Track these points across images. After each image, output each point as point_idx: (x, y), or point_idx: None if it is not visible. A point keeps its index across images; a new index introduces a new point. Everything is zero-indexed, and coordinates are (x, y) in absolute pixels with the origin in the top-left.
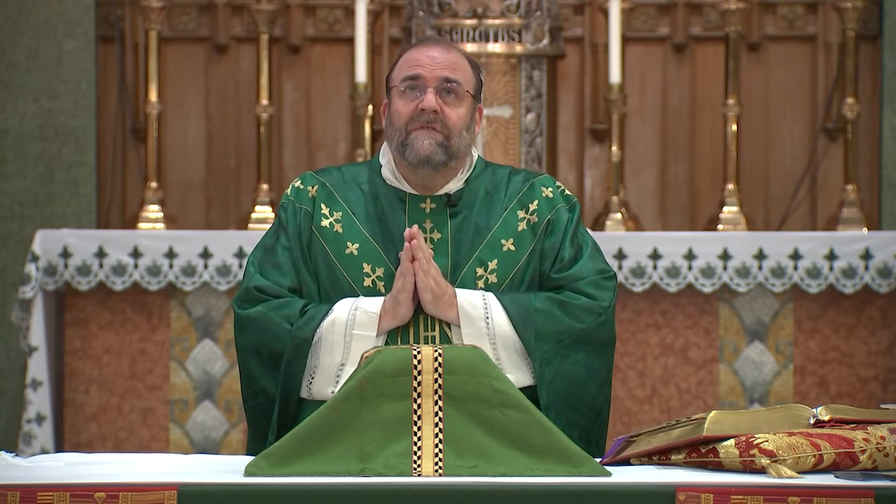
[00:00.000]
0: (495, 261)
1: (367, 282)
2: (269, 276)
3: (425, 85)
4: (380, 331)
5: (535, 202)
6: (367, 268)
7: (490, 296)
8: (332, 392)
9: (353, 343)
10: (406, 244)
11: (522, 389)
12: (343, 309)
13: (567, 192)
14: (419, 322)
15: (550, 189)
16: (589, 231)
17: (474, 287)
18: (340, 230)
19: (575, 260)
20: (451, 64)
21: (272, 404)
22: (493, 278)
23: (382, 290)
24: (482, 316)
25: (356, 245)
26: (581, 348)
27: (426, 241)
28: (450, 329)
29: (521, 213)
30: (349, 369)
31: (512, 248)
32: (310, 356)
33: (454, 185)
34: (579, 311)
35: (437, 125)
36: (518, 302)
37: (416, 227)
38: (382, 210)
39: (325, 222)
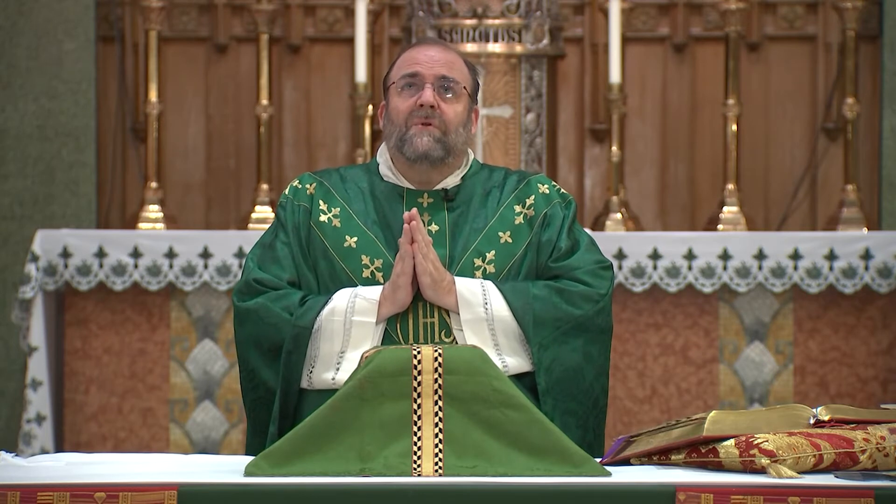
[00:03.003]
0: (493, 252)
1: (366, 273)
2: (268, 269)
3: (423, 82)
4: (379, 317)
5: (532, 197)
6: (365, 259)
7: (488, 283)
8: (333, 378)
9: (353, 330)
10: (405, 226)
11: (521, 375)
12: (342, 297)
13: (563, 190)
14: (418, 308)
15: (547, 186)
16: (585, 229)
17: (472, 277)
18: (339, 224)
19: (572, 251)
20: (448, 63)
21: (272, 397)
22: (490, 269)
23: (381, 281)
24: (480, 302)
25: (354, 238)
26: (579, 335)
27: None
28: (448, 316)
29: (517, 208)
30: (349, 356)
31: (509, 240)
32: (310, 345)
33: (451, 181)
34: (577, 298)
35: (435, 121)
36: (516, 289)
37: (414, 209)
38: (380, 205)
39: (324, 217)
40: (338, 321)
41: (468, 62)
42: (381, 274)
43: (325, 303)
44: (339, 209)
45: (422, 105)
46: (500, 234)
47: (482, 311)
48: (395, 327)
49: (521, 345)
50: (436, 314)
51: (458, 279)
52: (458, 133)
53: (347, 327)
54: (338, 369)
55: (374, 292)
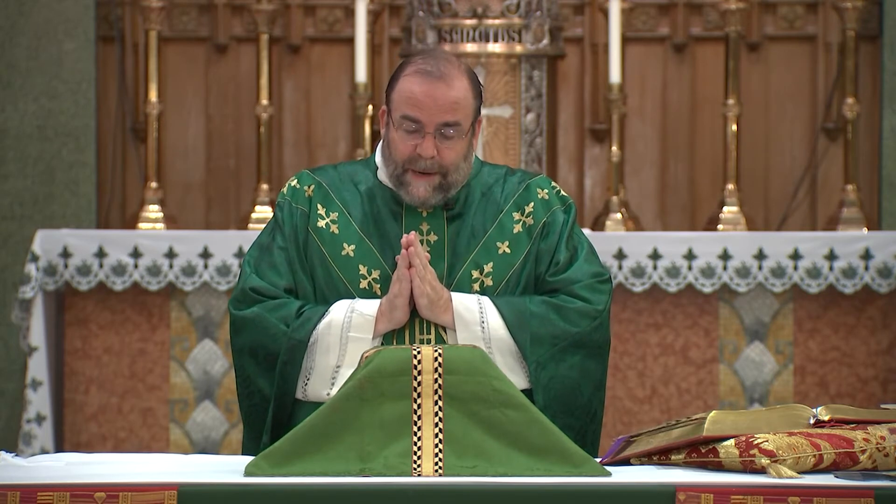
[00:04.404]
0: (491, 264)
1: (364, 284)
2: (265, 276)
3: (424, 129)
4: (375, 333)
5: (531, 204)
6: (363, 269)
7: (485, 299)
8: (328, 394)
9: (349, 345)
10: (403, 251)
11: None
12: (339, 311)
13: (563, 193)
14: (415, 325)
15: (546, 190)
16: (585, 233)
17: (470, 290)
18: (336, 231)
19: (570, 263)
20: (451, 106)
21: (267, 405)
22: (488, 281)
23: (378, 293)
24: (478, 320)
25: (352, 247)
26: (576, 352)
27: (422, 244)
28: (445, 332)
29: (516, 216)
30: (345, 371)
31: (507, 250)
32: (306, 357)
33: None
34: (574, 314)
35: (434, 168)
36: (513, 305)
37: (413, 233)
38: (378, 211)
39: (322, 223)
40: (334, 335)
41: (472, 76)
42: (378, 286)
43: (322, 315)
44: (337, 214)
45: (420, 155)
46: (499, 244)
47: (479, 329)
48: (392, 344)
49: (518, 362)
50: (432, 331)
51: (454, 296)
52: (458, 170)
53: (343, 342)
54: (333, 385)
55: (371, 308)
